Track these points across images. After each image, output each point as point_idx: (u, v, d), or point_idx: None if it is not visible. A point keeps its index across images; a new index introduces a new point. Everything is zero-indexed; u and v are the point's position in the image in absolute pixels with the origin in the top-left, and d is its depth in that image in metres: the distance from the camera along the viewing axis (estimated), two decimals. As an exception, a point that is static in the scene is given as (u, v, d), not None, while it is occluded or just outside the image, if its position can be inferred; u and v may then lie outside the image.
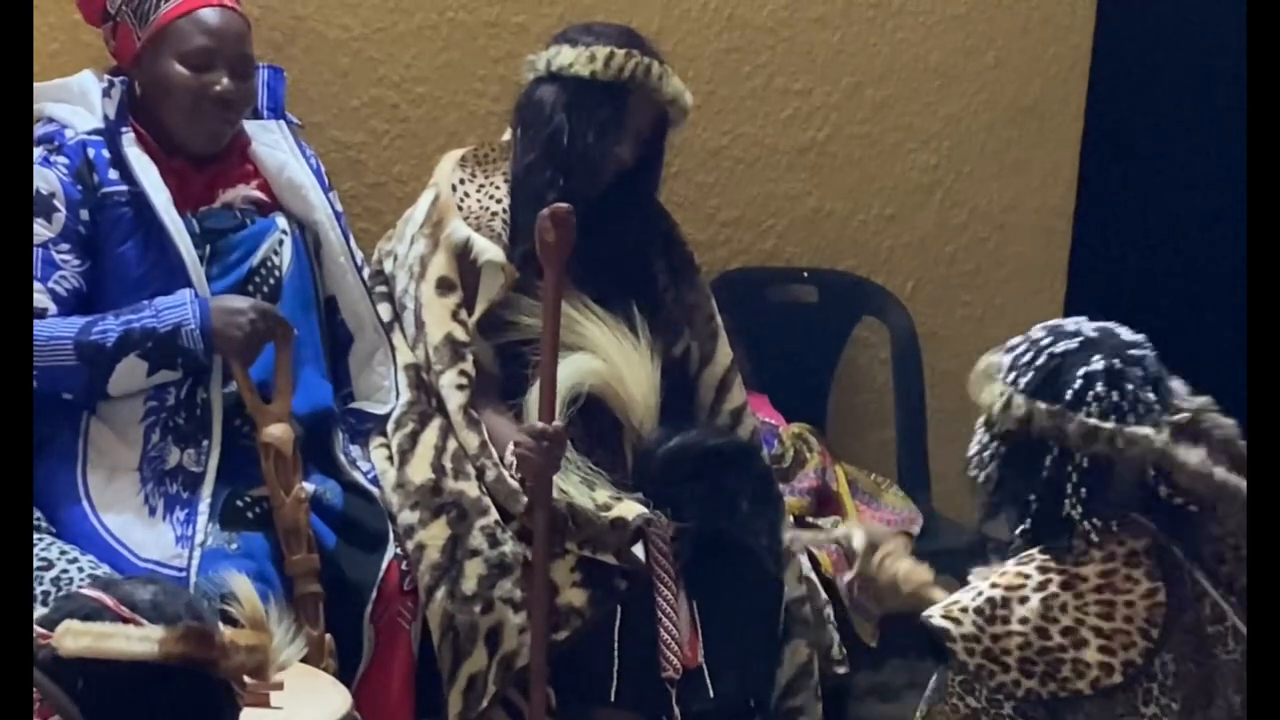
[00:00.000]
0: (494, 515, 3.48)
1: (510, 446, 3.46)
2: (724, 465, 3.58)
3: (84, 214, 3.40)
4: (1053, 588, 2.67)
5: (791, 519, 3.84)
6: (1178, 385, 2.76)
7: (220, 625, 2.33)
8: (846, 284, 4.58)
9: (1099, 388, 2.65)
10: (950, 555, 4.29)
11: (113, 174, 3.43)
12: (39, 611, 2.29)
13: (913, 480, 4.41)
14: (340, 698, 2.95)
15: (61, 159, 3.42)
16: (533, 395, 3.53)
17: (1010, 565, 2.73)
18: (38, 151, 3.41)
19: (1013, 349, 2.76)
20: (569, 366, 3.56)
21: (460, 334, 3.58)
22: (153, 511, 3.34)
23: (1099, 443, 2.65)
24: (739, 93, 4.45)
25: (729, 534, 3.56)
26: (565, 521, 3.47)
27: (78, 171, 3.42)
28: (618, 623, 3.47)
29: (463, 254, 3.60)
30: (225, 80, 3.46)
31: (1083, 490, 2.70)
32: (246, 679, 2.33)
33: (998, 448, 2.76)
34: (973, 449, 2.81)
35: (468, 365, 3.57)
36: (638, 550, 3.50)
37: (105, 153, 3.44)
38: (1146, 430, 2.65)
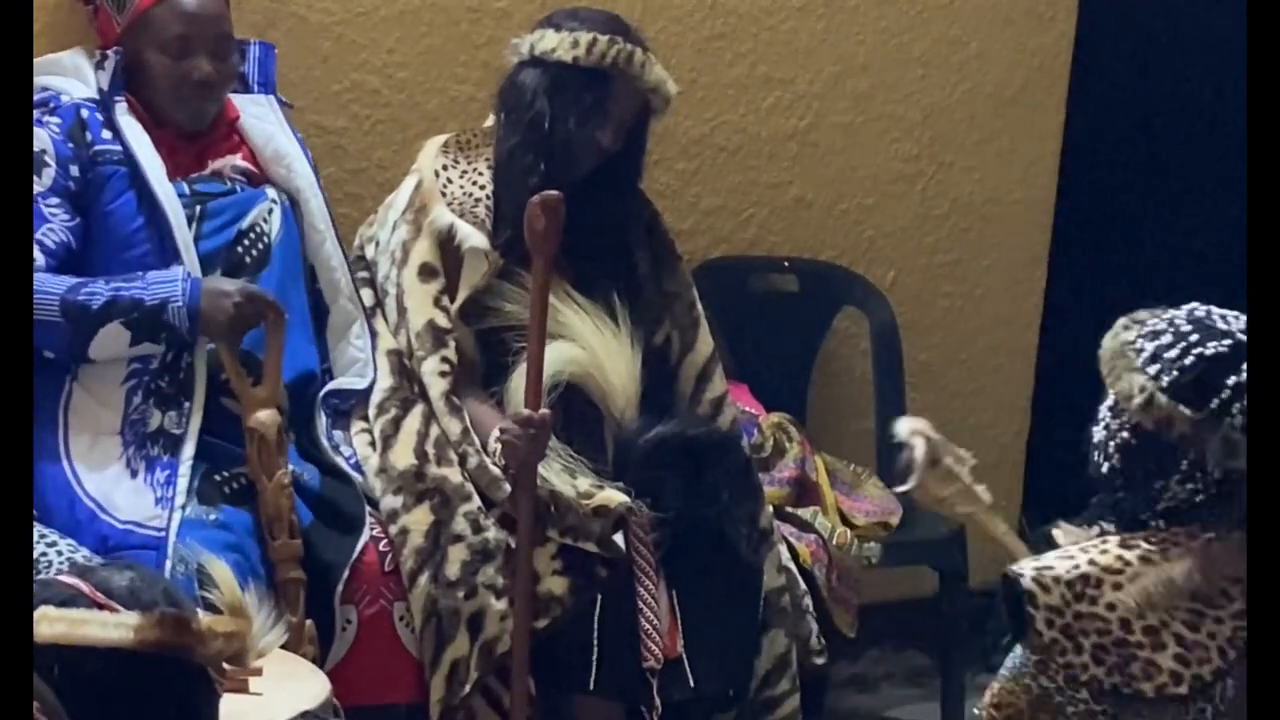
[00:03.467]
0: (477, 501, 3.47)
1: (495, 433, 3.46)
2: (704, 455, 3.57)
3: (74, 170, 3.42)
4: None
5: (771, 509, 3.84)
6: None
7: (198, 611, 2.32)
8: (827, 274, 4.58)
9: (1247, 400, 2.55)
10: (928, 546, 4.32)
11: (105, 134, 3.47)
12: None
13: (892, 470, 4.40)
14: (319, 684, 2.94)
15: (54, 119, 3.45)
16: (514, 382, 3.53)
17: (1113, 542, 2.64)
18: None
19: (1156, 336, 2.62)
20: (549, 354, 3.54)
21: (442, 320, 3.57)
22: (134, 474, 3.35)
23: (1241, 458, 2.56)
24: (721, 81, 4.44)
25: (709, 524, 3.55)
26: (547, 509, 3.47)
27: (70, 130, 3.45)
28: (598, 611, 3.47)
29: (445, 240, 3.59)
30: (204, 64, 3.48)
31: (1207, 496, 2.62)
32: (225, 665, 2.32)
33: (1127, 439, 2.65)
34: (1098, 435, 2.69)
35: (450, 352, 3.56)
36: (618, 539, 3.50)
37: (99, 116, 3.48)
38: None
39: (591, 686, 3.47)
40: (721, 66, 4.43)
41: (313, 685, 2.93)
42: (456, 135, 3.75)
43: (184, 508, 3.30)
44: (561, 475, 3.50)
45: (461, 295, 3.60)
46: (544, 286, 3.42)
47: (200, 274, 3.41)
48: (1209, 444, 2.56)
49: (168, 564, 3.20)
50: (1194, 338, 2.60)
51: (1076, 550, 2.65)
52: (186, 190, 3.49)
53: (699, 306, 3.83)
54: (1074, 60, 4.75)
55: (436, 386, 3.54)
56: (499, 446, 3.45)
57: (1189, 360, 2.58)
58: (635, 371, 3.63)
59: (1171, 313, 2.67)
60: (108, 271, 3.38)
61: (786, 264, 4.57)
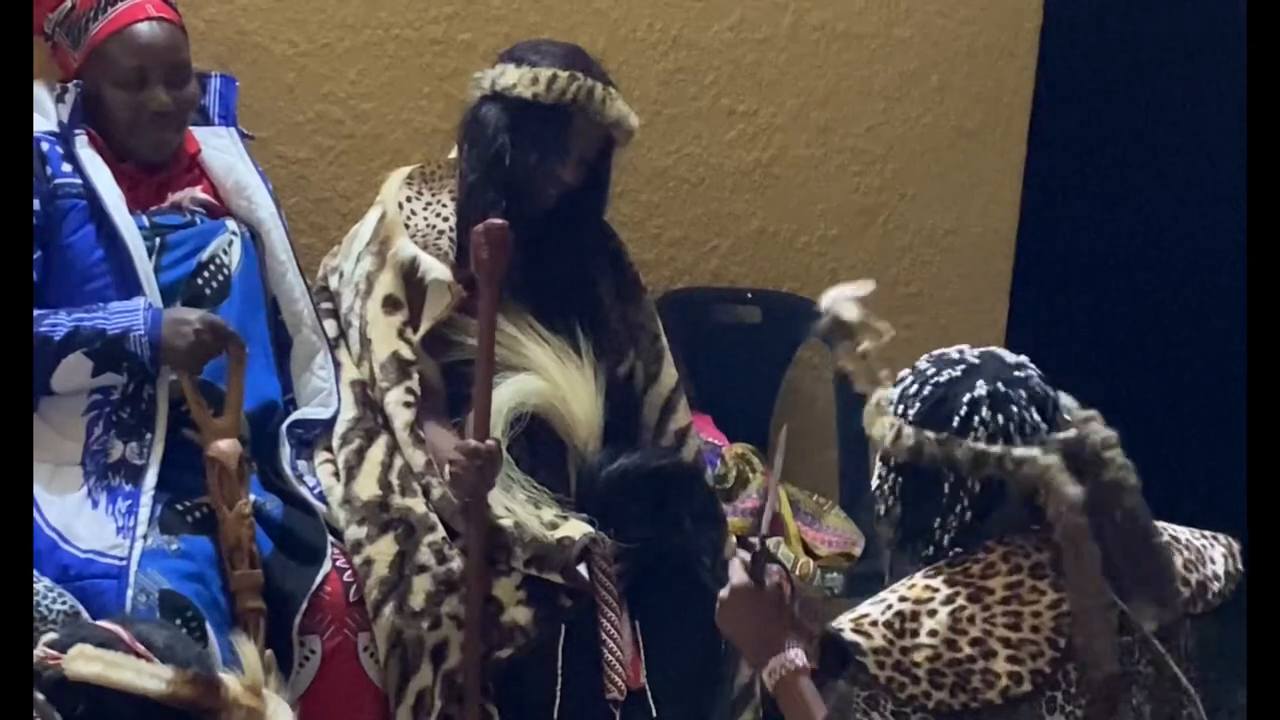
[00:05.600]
0: (441, 532, 3.47)
1: (446, 466, 3.46)
2: (667, 487, 3.59)
3: (34, 204, 3.41)
4: (960, 600, 2.66)
5: (734, 539, 3.84)
6: (1067, 400, 2.75)
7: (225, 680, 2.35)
8: (790, 305, 4.59)
9: (983, 412, 2.66)
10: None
11: (65, 167, 3.47)
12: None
13: (854, 501, 4.41)
14: (284, 715, 2.93)
15: None
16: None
17: (918, 577, 2.72)
18: None
19: (901, 381, 2.77)
20: (512, 387, 3.55)
21: (406, 352, 3.57)
22: (95, 505, 3.34)
23: (988, 466, 2.66)
24: (685, 113, 4.46)
25: (672, 555, 3.56)
26: (511, 540, 3.46)
27: None
28: (562, 642, 3.47)
29: (409, 272, 3.59)
30: (161, 95, 3.49)
31: (979, 512, 2.70)
32: None
33: (895, 479, 2.75)
34: (874, 483, 2.81)
35: (413, 383, 3.56)
36: (582, 570, 3.50)
37: (59, 149, 3.48)
38: (1033, 451, 2.65)
39: (555, 717, 3.47)
40: (685, 99, 4.45)
41: (278, 716, 2.91)
42: (421, 167, 3.76)
43: (145, 537, 3.29)
44: (526, 506, 3.50)
45: (424, 327, 3.60)
46: (491, 316, 3.41)
47: (161, 306, 3.41)
48: (957, 459, 2.66)
49: (129, 593, 3.20)
50: (929, 371, 2.74)
51: (886, 593, 2.73)
52: (146, 223, 3.49)
53: (663, 338, 3.84)
54: (1035, 93, 4.77)
55: (400, 417, 3.54)
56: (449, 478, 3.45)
57: (926, 390, 2.71)
58: (598, 403, 3.64)
59: (916, 362, 2.81)
60: (69, 304, 3.38)
61: (749, 295, 4.58)
